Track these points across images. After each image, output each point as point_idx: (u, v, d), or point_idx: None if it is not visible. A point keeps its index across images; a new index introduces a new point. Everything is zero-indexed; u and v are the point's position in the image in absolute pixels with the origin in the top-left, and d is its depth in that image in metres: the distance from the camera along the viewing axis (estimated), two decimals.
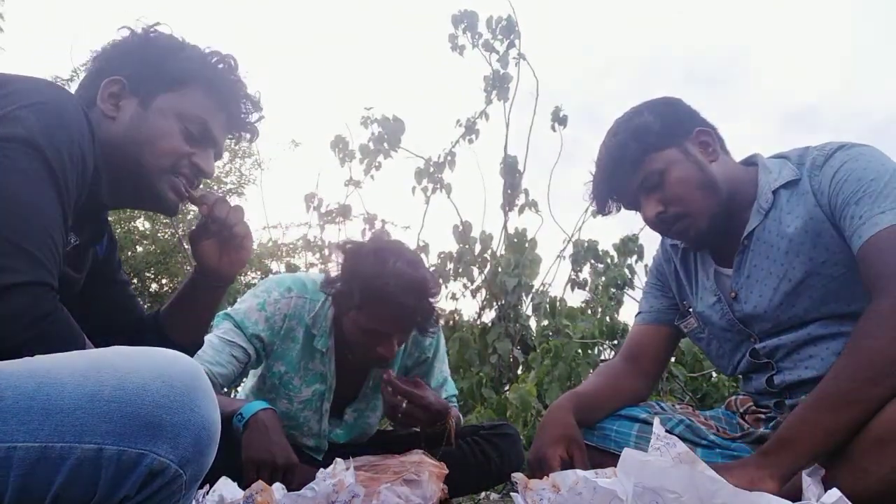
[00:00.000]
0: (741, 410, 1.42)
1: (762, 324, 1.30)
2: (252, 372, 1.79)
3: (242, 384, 1.91)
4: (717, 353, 1.42)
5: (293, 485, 1.29)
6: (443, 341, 1.92)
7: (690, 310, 1.44)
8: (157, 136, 1.05)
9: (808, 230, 1.23)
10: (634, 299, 3.73)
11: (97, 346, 1.06)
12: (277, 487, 1.15)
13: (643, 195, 1.32)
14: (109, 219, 1.21)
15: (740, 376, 1.44)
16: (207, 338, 1.59)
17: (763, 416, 1.36)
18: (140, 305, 1.29)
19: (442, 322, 4.09)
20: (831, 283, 1.21)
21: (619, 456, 0.98)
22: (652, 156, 1.29)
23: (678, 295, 1.49)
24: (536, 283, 3.92)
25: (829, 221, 1.21)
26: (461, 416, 1.87)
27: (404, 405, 1.54)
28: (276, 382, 1.70)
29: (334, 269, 1.65)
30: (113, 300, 1.21)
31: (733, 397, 1.48)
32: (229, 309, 1.69)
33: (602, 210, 1.42)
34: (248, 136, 1.19)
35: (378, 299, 1.52)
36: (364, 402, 1.81)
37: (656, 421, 1.01)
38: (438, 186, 4.18)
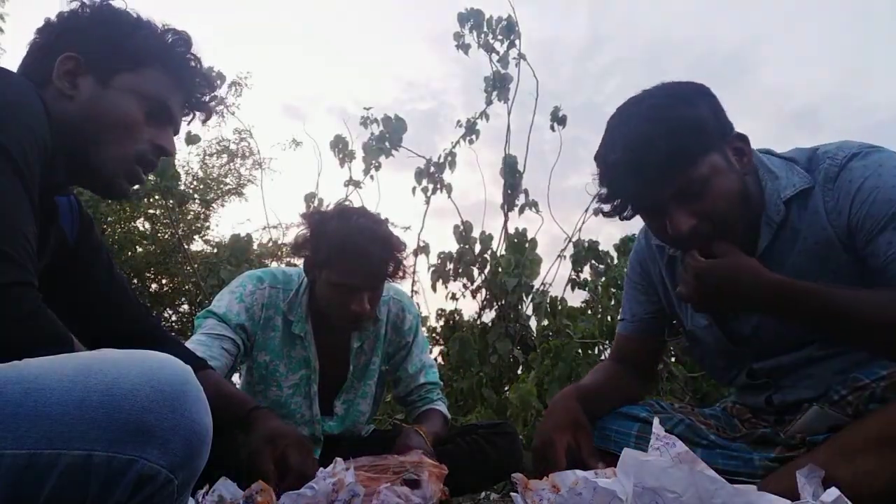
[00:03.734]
0: (740, 418, 1.38)
1: (760, 345, 1.26)
2: (242, 367, 1.81)
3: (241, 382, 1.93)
4: (710, 367, 1.39)
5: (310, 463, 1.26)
6: (422, 329, 1.95)
7: (681, 329, 1.40)
8: (118, 116, 1.01)
9: (815, 254, 1.14)
10: None
11: (91, 333, 1.04)
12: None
13: (675, 204, 1.11)
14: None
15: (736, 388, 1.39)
16: (195, 337, 1.62)
17: (761, 428, 1.34)
18: (133, 293, 1.27)
19: (441, 322, 4.14)
20: None
21: (619, 456, 0.97)
22: (699, 159, 1.09)
23: (665, 301, 1.41)
24: (536, 283, 3.93)
25: (842, 243, 1.11)
26: (447, 414, 1.88)
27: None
28: (264, 372, 1.74)
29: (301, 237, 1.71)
30: (97, 283, 1.19)
31: (730, 403, 1.42)
32: (210, 307, 1.71)
33: (617, 212, 1.19)
34: (203, 116, 1.17)
35: (345, 251, 1.59)
36: (352, 392, 1.83)
37: (656, 421, 1.00)
38: (439, 186, 4.18)
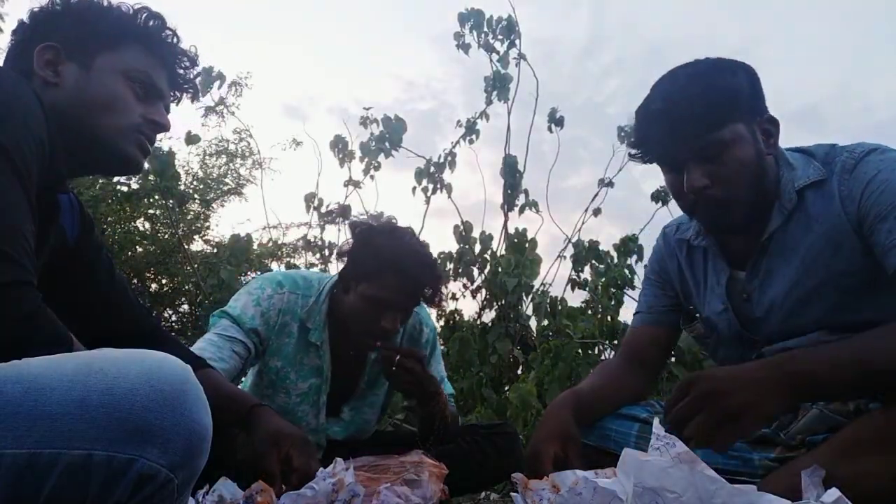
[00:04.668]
0: None
1: (769, 329, 1.27)
2: (251, 369, 1.81)
3: (242, 382, 1.93)
4: (723, 358, 1.39)
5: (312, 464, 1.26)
6: (438, 340, 1.94)
7: (697, 315, 1.41)
8: (107, 98, 1.02)
9: (829, 238, 1.17)
10: (634, 299, 3.73)
11: (91, 333, 1.04)
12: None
13: (694, 162, 1.18)
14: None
15: None
16: (207, 336, 1.61)
17: None
18: (133, 293, 1.27)
19: (441, 322, 4.14)
20: (844, 294, 1.16)
21: (619, 456, 0.97)
22: (727, 124, 1.16)
23: (682, 295, 1.44)
24: (536, 283, 3.93)
25: (854, 231, 1.14)
26: (458, 415, 1.88)
27: (397, 359, 1.62)
28: (273, 378, 1.73)
29: (346, 245, 1.73)
30: (97, 283, 1.19)
31: None
32: (225, 307, 1.70)
33: (641, 158, 1.27)
34: (189, 95, 1.18)
35: (393, 269, 1.59)
36: (361, 400, 1.82)
37: (656, 421, 1.00)
38: (439, 186, 4.19)
